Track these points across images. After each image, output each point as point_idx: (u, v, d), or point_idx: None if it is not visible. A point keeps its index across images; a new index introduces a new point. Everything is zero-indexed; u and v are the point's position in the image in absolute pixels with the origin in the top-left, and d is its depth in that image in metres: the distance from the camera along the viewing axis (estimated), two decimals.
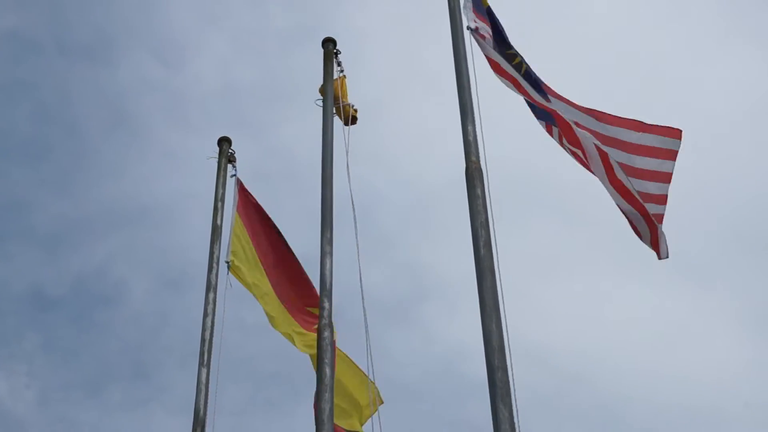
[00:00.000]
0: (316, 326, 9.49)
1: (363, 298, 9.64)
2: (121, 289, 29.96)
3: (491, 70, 9.34)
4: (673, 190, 9.29)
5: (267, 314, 11.25)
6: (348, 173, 10.37)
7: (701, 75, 31.80)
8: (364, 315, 9.60)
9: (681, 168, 9.34)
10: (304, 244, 12.04)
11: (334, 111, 10.81)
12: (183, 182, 26.86)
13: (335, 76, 11.12)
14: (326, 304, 9.20)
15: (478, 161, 7.78)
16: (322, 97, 10.89)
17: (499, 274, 7.05)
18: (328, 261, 9.50)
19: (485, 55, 9.35)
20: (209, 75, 31.15)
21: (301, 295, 11.41)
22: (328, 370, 8.67)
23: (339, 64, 11.24)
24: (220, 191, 11.64)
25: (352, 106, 11.14)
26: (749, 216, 31.18)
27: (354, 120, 11.08)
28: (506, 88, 9.39)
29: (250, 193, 12.00)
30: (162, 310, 28.21)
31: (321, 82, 11.10)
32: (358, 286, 9.80)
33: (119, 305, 29.86)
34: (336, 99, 10.92)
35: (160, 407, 26.75)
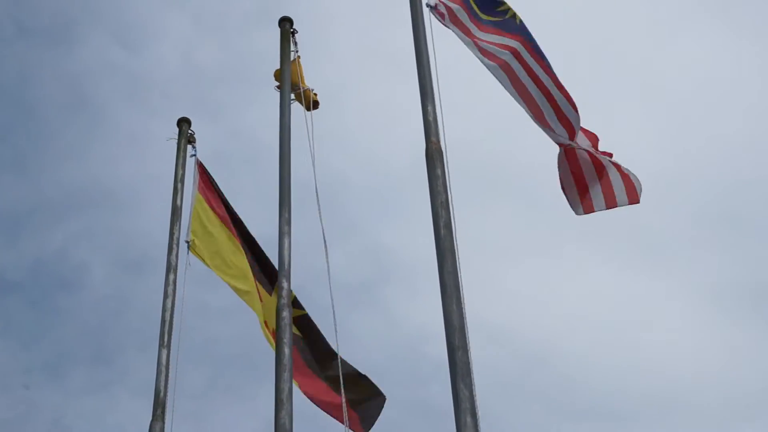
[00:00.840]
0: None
1: (330, 279, 9.65)
2: (82, 272, 29.80)
3: (453, 49, 9.35)
4: (644, 176, 9.42)
5: (234, 288, 11.25)
6: (312, 159, 10.33)
7: (659, 55, 32.00)
8: (331, 297, 9.64)
9: (639, 150, 9.41)
10: (263, 226, 12.03)
11: (293, 98, 10.76)
12: (144, 165, 26.71)
13: (291, 58, 11.05)
14: (285, 284, 9.17)
15: (438, 142, 7.78)
16: (278, 83, 10.85)
17: (459, 255, 7.07)
18: (286, 241, 9.47)
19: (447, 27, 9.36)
20: (170, 57, 30.99)
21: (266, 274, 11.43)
22: (286, 350, 8.65)
23: (296, 44, 11.18)
24: (180, 172, 11.60)
25: (312, 90, 11.06)
26: (723, 198, 31.44)
27: (315, 105, 10.99)
28: (472, 68, 9.43)
29: (209, 175, 11.98)
30: (123, 294, 28.09)
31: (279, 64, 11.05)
32: (320, 269, 9.81)
33: (79, 289, 29.70)
34: (294, 84, 10.86)
35: (123, 390, 26.66)
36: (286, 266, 9.33)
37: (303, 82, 11.03)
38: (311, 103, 10.93)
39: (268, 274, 11.35)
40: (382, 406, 11.38)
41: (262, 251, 11.64)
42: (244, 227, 11.78)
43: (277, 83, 10.91)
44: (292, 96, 10.72)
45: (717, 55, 32.34)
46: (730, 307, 31.22)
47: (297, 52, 11.17)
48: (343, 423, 10.25)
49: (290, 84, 10.74)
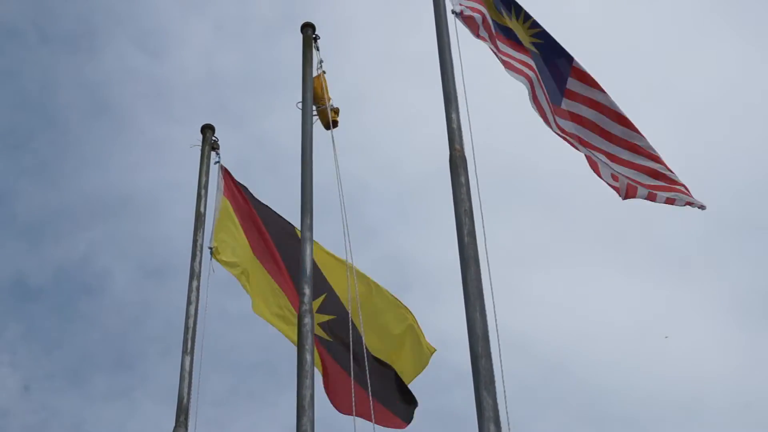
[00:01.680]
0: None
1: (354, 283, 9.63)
2: (104, 279, 29.90)
3: (477, 55, 9.35)
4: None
5: (251, 297, 11.29)
6: (338, 175, 10.32)
7: (678, 58, 31.91)
8: (356, 301, 9.58)
9: (667, 155, 9.36)
10: None
11: (315, 112, 10.74)
12: (167, 172, 26.81)
13: (315, 73, 11.03)
14: (306, 291, 9.16)
15: (462, 149, 7.74)
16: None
17: (486, 263, 7.05)
18: (308, 247, 9.47)
19: (475, 35, 9.36)
20: (192, 64, 31.07)
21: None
22: (308, 357, 8.65)
23: (318, 49, 11.16)
24: (204, 179, 11.61)
25: (331, 107, 10.96)
26: (735, 203, 31.30)
27: (335, 124, 10.90)
28: (495, 75, 9.42)
29: (235, 180, 12.00)
30: (145, 300, 28.18)
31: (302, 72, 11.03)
32: None
33: (102, 295, 29.80)
34: (316, 99, 10.83)
35: (144, 397, 26.74)
36: (308, 272, 9.32)
37: (326, 99, 10.96)
38: (330, 122, 10.84)
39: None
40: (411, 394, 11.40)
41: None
42: (283, 229, 11.79)
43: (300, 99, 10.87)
44: (315, 111, 10.69)
45: (732, 59, 32.20)
46: (750, 314, 31.06)
47: (321, 66, 11.15)
48: (371, 420, 10.32)
49: (312, 91, 10.73)
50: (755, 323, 30.70)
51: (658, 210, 9.29)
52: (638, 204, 9.43)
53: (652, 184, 9.13)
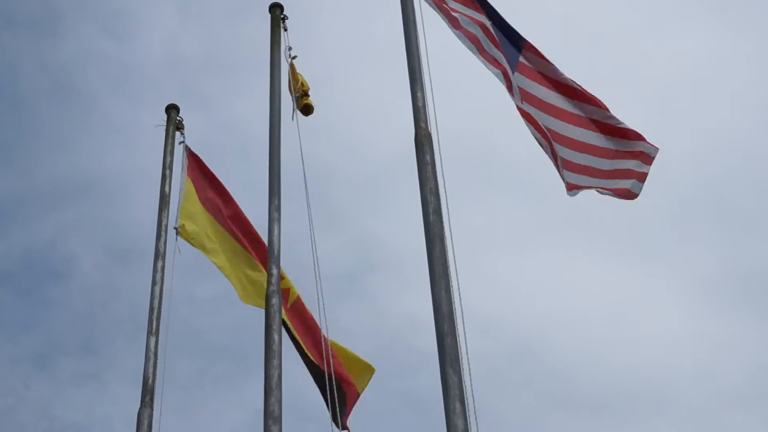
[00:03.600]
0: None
1: (318, 269, 9.64)
2: (71, 262, 29.76)
3: (444, 35, 9.30)
4: None
5: (220, 267, 11.29)
6: (303, 162, 10.29)
7: (645, 44, 31.99)
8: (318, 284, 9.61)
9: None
10: (252, 216, 12.01)
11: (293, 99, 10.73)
12: (133, 155, 26.65)
13: (287, 61, 10.98)
14: (274, 271, 9.15)
15: (428, 127, 7.74)
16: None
17: (451, 241, 7.06)
18: (276, 227, 9.46)
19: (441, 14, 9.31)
20: (158, 47, 30.89)
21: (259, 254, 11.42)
22: (276, 336, 8.65)
23: (286, 30, 11.11)
24: (168, 159, 11.60)
25: (306, 93, 10.93)
26: (699, 187, 31.46)
27: (310, 110, 10.85)
28: (460, 56, 9.37)
29: (200, 159, 11.96)
30: (112, 284, 28.06)
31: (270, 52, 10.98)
32: (308, 259, 9.80)
33: (69, 279, 29.67)
34: (291, 87, 10.81)
35: (112, 380, 26.65)
36: (275, 253, 9.31)
37: (301, 86, 10.91)
38: (303, 107, 10.79)
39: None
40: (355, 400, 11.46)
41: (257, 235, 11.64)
42: (240, 211, 11.77)
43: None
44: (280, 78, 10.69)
45: (704, 45, 32.34)
46: (719, 299, 31.27)
47: (291, 51, 11.09)
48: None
49: (280, 71, 10.69)
50: (725, 308, 30.91)
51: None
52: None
53: (603, 169, 9.11)
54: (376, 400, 11.96)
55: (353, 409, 11.47)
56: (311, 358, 11.18)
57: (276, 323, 8.72)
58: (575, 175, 9.08)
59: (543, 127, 9.08)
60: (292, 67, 10.97)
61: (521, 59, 9.27)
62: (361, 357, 11.73)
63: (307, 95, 10.87)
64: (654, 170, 9.20)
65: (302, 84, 10.89)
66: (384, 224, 28.16)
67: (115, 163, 29.05)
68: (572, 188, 9.12)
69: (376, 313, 26.76)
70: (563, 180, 9.11)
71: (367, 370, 11.69)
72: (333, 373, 10.34)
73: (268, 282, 9.10)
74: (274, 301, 8.88)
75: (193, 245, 11.37)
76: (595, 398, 28.63)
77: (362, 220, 28.51)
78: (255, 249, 11.44)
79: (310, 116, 10.82)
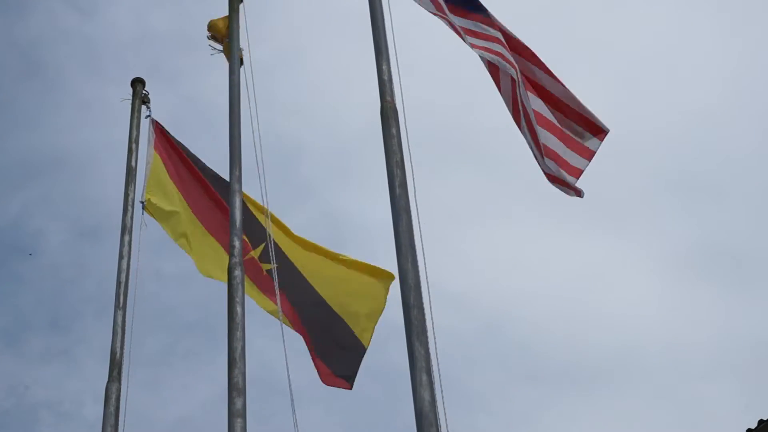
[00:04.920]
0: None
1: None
2: (38, 239, 29.65)
3: (408, 6, 9.26)
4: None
5: (191, 253, 11.23)
6: (252, 117, 10.21)
7: (616, 16, 32.07)
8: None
9: (606, 114, 9.36)
10: None
11: (221, 50, 10.69)
12: (99, 131, 26.55)
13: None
14: (236, 243, 9.09)
15: (393, 100, 7.74)
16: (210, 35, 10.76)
17: (417, 213, 7.07)
18: (237, 199, 9.38)
19: None
20: (124, 22, 30.71)
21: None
22: (238, 309, 8.63)
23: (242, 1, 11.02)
24: (134, 133, 11.52)
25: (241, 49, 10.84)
26: (665, 158, 31.63)
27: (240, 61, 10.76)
28: (426, 29, 9.33)
29: (167, 133, 11.91)
30: (80, 260, 28.00)
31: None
32: None
33: (36, 256, 29.53)
34: (221, 36, 10.77)
35: (80, 356, 26.65)
36: (237, 224, 9.24)
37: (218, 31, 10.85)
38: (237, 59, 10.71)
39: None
40: (362, 356, 11.20)
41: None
42: (206, 185, 11.70)
43: (209, 34, 10.81)
44: (220, 48, 10.65)
45: (678, 19, 32.47)
46: (687, 272, 31.52)
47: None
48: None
49: (238, 40, 10.62)
50: (694, 281, 31.16)
51: (596, 166, 9.32)
52: None
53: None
54: None
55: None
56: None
57: (239, 295, 8.69)
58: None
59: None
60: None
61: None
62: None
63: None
64: (624, 145, 9.24)
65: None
66: (352, 198, 28.21)
67: (83, 139, 28.95)
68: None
69: None
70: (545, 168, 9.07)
71: (376, 294, 11.18)
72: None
73: (230, 254, 9.06)
74: (237, 273, 8.84)
75: (157, 220, 11.33)
76: (563, 372, 28.86)
77: (330, 194, 28.53)
78: (221, 222, 11.34)
79: (273, 88, 10.78)
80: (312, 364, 10.93)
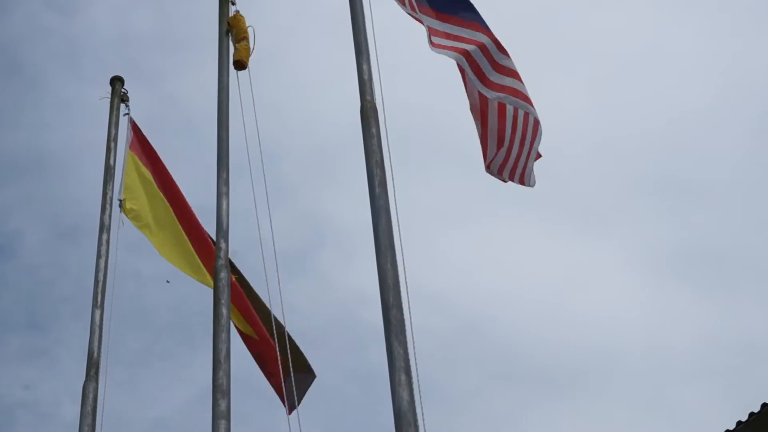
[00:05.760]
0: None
1: (268, 243, 9.59)
2: (15, 239, 29.53)
3: (389, 6, 9.25)
4: (570, 139, 9.28)
5: (156, 244, 11.20)
6: (245, 118, 10.24)
7: (592, 17, 32.14)
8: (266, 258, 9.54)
9: (575, 116, 9.36)
10: (200, 193, 11.97)
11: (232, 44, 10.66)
12: (78, 131, 26.50)
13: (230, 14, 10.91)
14: (222, 245, 9.17)
15: (373, 100, 7.74)
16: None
17: (396, 213, 7.07)
18: (224, 202, 9.46)
19: None
20: (104, 22, 30.63)
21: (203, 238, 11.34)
22: (224, 311, 8.68)
23: (234, 3, 11.04)
24: (113, 131, 11.52)
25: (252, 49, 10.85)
26: (643, 161, 31.71)
27: (242, 65, 10.74)
28: (406, 29, 9.31)
29: (142, 134, 11.89)
30: (57, 261, 27.91)
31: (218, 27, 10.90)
32: (255, 235, 9.79)
33: (13, 256, 29.44)
34: (240, 33, 10.73)
35: (59, 357, 26.56)
36: (224, 227, 9.31)
37: (244, 35, 10.81)
38: (242, 61, 10.69)
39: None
40: (310, 383, 11.31)
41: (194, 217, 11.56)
42: (178, 190, 11.69)
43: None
44: (229, 49, 10.63)
45: (654, 19, 32.55)
46: (668, 273, 31.61)
47: (237, 10, 10.99)
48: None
49: (228, 44, 10.63)
50: (667, 278, 31.23)
51: (576, 169, 9.33)
52: (556, 163, 9.41)
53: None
54: (324, 374, 11.96)
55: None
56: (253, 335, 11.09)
57: (225, 297, 8.73)
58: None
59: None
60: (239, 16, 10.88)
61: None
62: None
63: (245, 44, 10.73)
64: (605, 147, 9.26)
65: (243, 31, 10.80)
66: (332, 198, 28.20)
67: (62, 139, 28.87)
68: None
69: (325, 288, 26.81)
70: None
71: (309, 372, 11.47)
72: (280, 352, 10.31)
73: (217, 256, 9.12)
74: (223, 275, 8.89)
75: (132, 222, 11.29)
76: (541, 372, 28.91)
77: (311, 195, 28.52)
78: (192, 232, 11.33)
79: (255, 88, 10.74)
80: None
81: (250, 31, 10.84)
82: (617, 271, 31.46)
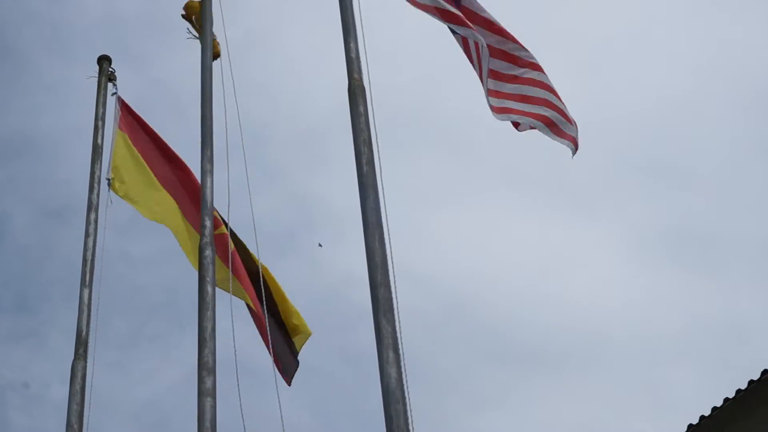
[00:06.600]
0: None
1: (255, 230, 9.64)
2: (3, 221, 29.49)
3: None
4: None
5: (150, 217, 11.23)
6: (227, 106, 10.22)
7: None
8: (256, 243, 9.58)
9: (570, 97, 9.36)
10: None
11: (198, 36, 10.66)
12: (67, 114, 26.42)
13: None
14: (207, 223, 9.14)
15: (361, 78, 7.73)
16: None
17: (382, 191, 7.08)
18: (208, 179, 9.44)
19: None
20: (91, 4, 30.51)
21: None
22: (209, 288, 8.66)
23: None
24: (101, 110, 11.44)
25: (214, 37, 10.82)
26: (630, 144, 31.77)
27: (216, 56, 10.72)
28: (394, 7, 9.30)
29: (133, 110, 11.87)
30: (46, 242, 27.89)
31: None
32: (244, 216, 9.83)
33: (1, 238, 29.40)
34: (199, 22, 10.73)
35: (47, 338, 26.56)
36: (208, 204, 9.29)
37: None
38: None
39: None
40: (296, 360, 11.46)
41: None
42: (178, 159, 11.70)
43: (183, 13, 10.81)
44: (197, 35, 10.63)
45: (638, 3, 32.56)
46: (651, 253, 31.71)
47: None
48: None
49: (211, 21, 10.60)
50: (654, 260, 31.33)
51: (561, 150, 9.33)
52: (542, 143, 9.41)
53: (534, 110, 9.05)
54: (314, 355, 11.99)
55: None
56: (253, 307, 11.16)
57: (210, 275, 8.72)
58: (506, 101, 9.03)
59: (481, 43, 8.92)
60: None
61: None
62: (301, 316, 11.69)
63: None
64: (593, 130, 9.25)
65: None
66: (321, 179, 28.19)
67: (49, 121, 28.81)
68: (499, 111, 9.04)
69: (314, 269, 26.82)
70: (488, 100, 9.03)
71: (304, 331, 11.64)
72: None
73: (201, 234, 9.10)
74: (207, 252, 8.88)
75: (123, 198, 11.29)
76: (529, 352, 29.02)
77: (299, 176, 28.52)
78: (192, 199, 11.34)
79: (240, 69, 10.75)
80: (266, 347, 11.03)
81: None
82: (605, 252, 31.56)
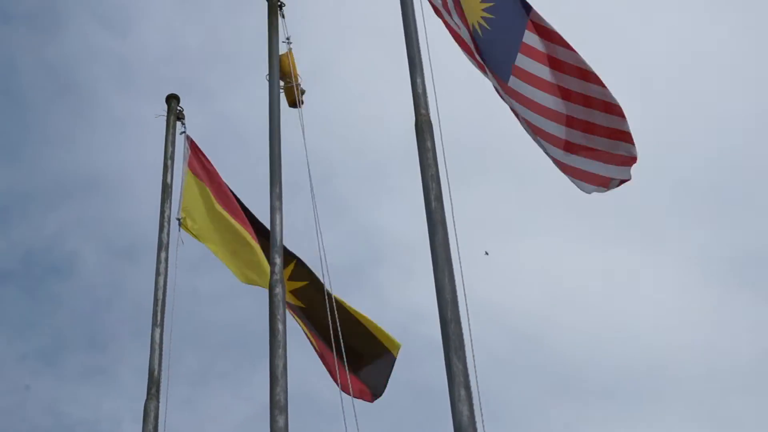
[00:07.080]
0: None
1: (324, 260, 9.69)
2: (73, 260, 29.80)
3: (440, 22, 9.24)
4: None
5: (218, 254, 11.30)
6: (306, 152, 10.27)
7: (637, 20, 31.85)
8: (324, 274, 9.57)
9: (630, 121, 9.22)
10: (255, 210, 12.00)
11: (282, 88, 10.69)
12: (133, 150, 26.63)
13: (282, 46, 10.91)
14: (277, 260, 9.14)
15: (428, 113, 7.70)
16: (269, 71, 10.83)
17: (453, 227, 7.04)
18: (278, 216, 9.43)
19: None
20: (156, 39, 30.85)
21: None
22: (280, 326, 8.66)
23: (284, 17, 11.01)
24: (170, 149, 11.56)
25: (300, 85, 10.88)
26: (695, 169, 31.40)
27: (301, 103, 10.78)
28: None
29: (200, 150, 11.96)
30: (116, 281, 28.10)
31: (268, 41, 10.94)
32: (311, 252, 9.84)
33: (72, 276, 29.68)
34: (284, 76, 10.74)
35: (118, 376, 26.69)
36: (278, 242, 9.30)
37: (293, 77, 10.85)
38: (297, 101, 10.75)
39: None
40: (391, 366, 11.49)
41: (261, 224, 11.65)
42: (240, 202, 11.79)
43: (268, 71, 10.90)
44: (282, 87, 10.67)
45: (698, 24, 32.20)
46: (719, 281, 31.22)
47: (289, 42, 11.02)
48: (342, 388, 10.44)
49: (278, 57, 10.64)
50: (726, 290, 30.86)
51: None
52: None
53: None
54: (386, 391, 11.92)
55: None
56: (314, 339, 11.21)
57: (280, 312, 8.72)
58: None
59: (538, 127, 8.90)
60: (290, 54, 10.92)
61: (518, 61, 9.08)
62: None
63: (298, 86, 10.80)
64: (650, 153, 9.08)
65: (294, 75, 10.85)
66: (387, 213, 28.15)
67: (117, 158, 29.05)
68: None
69: (382, 304, 26.75)
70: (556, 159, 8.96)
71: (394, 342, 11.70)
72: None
73: (272, 271, 9.10)
74: (278, 290, 8.88)
75: (194, 237, 11.36)
76: (599, 385, 28.62)
77: (365, 210, 28.50)
78: (258, 238, 11.40)
79: (302, 107, 10.78)
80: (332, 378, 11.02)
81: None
82: (670, 279, 31.10)
